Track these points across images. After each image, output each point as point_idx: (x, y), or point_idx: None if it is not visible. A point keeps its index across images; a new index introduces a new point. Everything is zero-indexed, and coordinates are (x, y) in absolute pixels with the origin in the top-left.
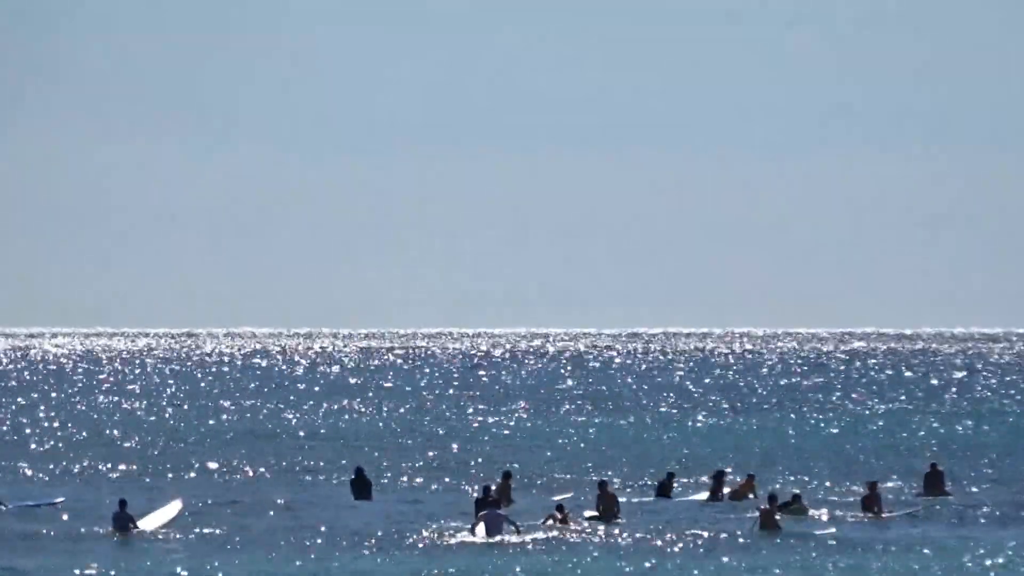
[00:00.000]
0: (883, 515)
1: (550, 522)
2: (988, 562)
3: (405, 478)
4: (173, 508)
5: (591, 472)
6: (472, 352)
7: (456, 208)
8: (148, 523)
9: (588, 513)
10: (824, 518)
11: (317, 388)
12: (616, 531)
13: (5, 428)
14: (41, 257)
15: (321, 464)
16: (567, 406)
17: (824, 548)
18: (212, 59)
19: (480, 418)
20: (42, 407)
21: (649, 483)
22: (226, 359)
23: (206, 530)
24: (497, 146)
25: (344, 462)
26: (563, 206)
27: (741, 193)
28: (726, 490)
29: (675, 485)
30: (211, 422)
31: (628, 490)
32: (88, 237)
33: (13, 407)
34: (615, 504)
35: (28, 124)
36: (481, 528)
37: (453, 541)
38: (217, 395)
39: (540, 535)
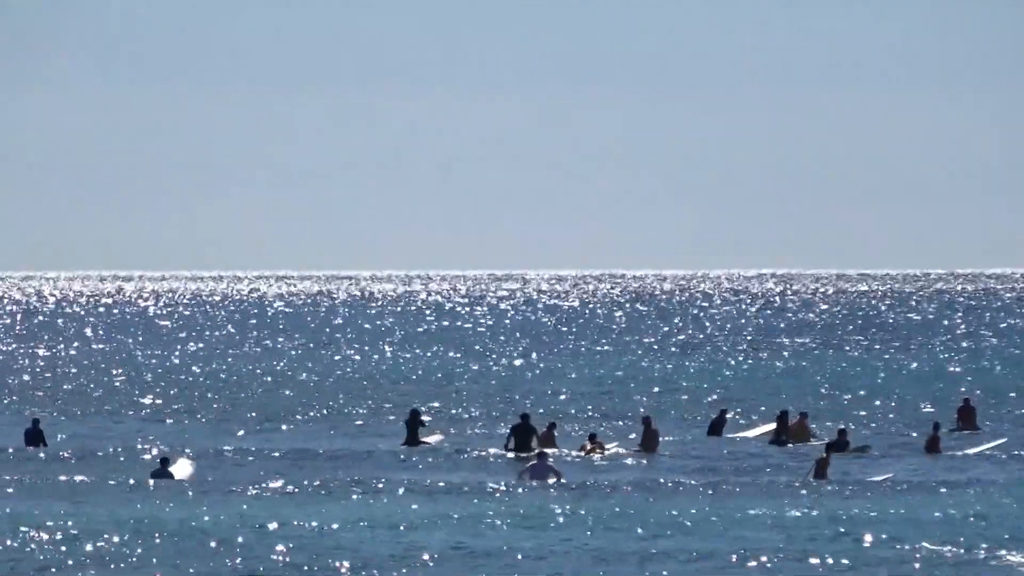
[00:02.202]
0: (942, 452)
1: (583, 452)
2: None
3: (458, 421)
4: (184, 469)
5: (640, 411)
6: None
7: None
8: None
9: (624, 449)
10: (883, 460)
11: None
12: (659, 470)
13: (58, 369)
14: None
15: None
16: (613, 347)
17: (882, 492)
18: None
19: (517, 360)
20: (88, 348)
21: (699, 420)
22: (275, 303)
23: (240, 478)
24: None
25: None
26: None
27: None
28: (766, 429)
29: (729, 417)
30: (262, 366)
31: (684, 420)
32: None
33: (62, 347)
34: (656, 440)
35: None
36: (527, 477)
37: (497, 486)
38: (265, 339)
39: (581, 474)
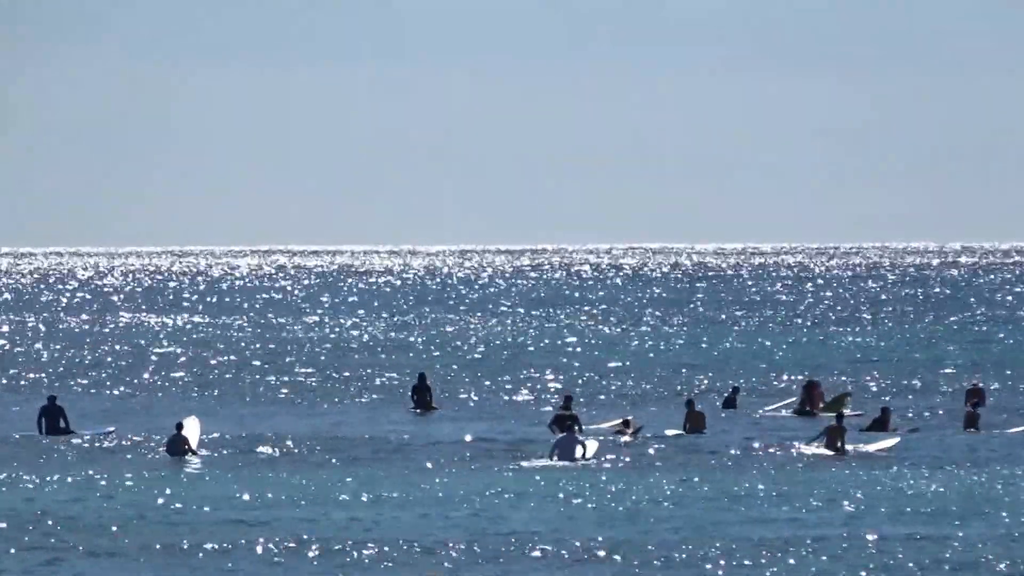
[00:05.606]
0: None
1: (618, 436)
2: None
3: (474, 392)
4: (193, 426)
5: (664, 386)
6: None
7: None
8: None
9: (671, 431)
10: (916, 435)
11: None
12: (692, 448)
13: (65, 350)
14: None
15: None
16: (632, 317)
17: (909, 465)
18: None
19: (539, 329)
20: (84, 325)
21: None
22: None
23: (256, 452)
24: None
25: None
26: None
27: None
28: (789, 401)
29: (740, 396)
30: (269, 339)
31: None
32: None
33: (64, 325)
34: (702, 423)
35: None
36: (556, 453)
37: (525, 464)
38: (274, 312)
39: (614, 455)
